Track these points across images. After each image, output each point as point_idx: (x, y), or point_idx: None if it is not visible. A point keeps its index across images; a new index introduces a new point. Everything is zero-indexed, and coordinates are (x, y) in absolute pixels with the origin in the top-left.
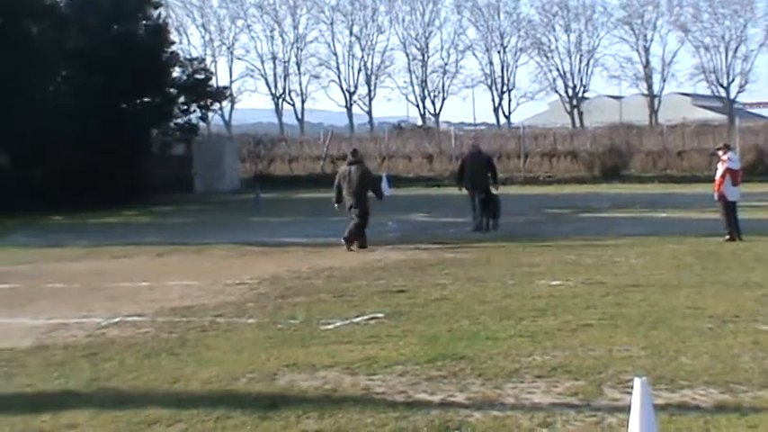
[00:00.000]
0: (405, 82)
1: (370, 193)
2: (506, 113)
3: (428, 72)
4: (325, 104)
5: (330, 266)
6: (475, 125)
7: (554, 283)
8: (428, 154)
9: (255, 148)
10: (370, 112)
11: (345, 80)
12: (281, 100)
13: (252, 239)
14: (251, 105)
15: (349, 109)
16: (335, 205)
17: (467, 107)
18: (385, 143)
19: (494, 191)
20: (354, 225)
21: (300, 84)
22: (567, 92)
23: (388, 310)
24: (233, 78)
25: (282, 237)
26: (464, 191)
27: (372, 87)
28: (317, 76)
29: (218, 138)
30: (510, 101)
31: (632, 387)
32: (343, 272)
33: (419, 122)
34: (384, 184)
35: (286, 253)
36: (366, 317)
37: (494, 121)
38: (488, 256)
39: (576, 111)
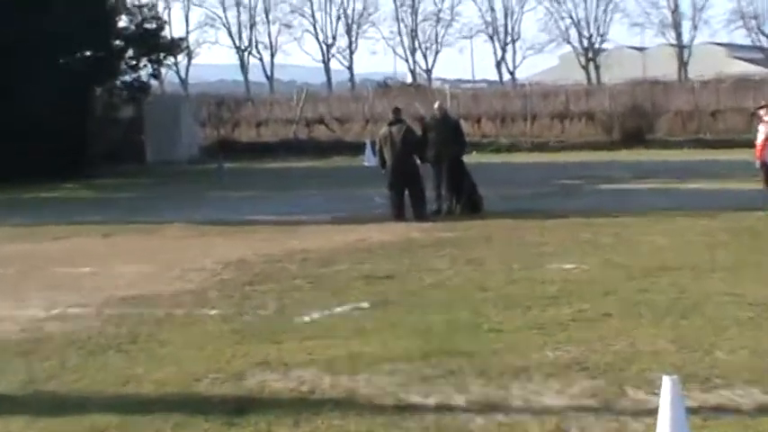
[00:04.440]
0: (391, 32)
1: None
2: (510, 69)
3: (419, 20)
4: (298, 59)
5: (305, 248)
6: (473, 82)
7: (567, 266)
8: (419, 116)
9: (217, 109)
10: (350, 68)
11: (322, 30)
12: (246, 54)
13: (214, 217)
14: (211, 60)
15: (326, 64)
16: (382, 171)
17: (464, 61)
18: (369, 104)
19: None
20: (414, 198)
21: (269, 35)
22: (581, 43)
23: (373, 298)
24: (190, 28)
25: (249, 214)
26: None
27: (354, 38)
28: (288, 26)
29: (172, 98)
30: (514, 54)
31: (660, 387)
32: (321, 254)
33: (408, 79)
34: (367, 153)
35: (254, 233)
36: (348, 307)
37: (495, 77)
38: (490, 235)
39: (591, 65)
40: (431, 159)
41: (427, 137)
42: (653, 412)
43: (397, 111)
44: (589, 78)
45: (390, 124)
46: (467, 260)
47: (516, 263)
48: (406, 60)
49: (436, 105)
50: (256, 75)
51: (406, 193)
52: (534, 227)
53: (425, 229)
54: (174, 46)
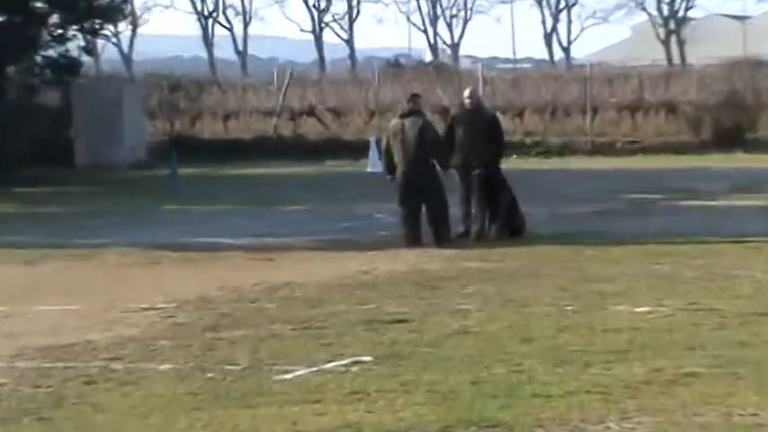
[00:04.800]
0: None
1: None
2: (564, 44)
3: None
4: (280, 29)
5: (288, 282)
6: (515, 62)
7: (638, 309)
8: (441, 106)
9: (172, 96)
10: (350, 42)
11: None
12: (211, 21)
13: (167, 239)
14: (164, 30)
15: (318, 36)
16: (389, 178)
17: (502, 34)
18: (374, 89)
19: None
20: (431, 214)
21: None
22: (659, 9)
23: (378, 350)
24: None
25: (214, 235)
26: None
27: (355, 2)
28: None
29: (112, 81)
30: (570, 24)
31: None
32: (309, 290)
33: (428, 57)
34: (372, 155)
35: (219, 260)
36: (345, 361)
37: (544, 55)
38: (535, 267)
39: (673, 39)
40: (457, 165)
41: (453, 135)
42: None
43: (415, 98)
44: (670, 57)
45: (403, 116)
46: (504, 300)
47: (570, 304)
48: (425, 32)
49: (467, 93)
50: (224, 50)
51: (423, 209)
52: (595, 256)
53: (448, 257)
54: (115, 10)
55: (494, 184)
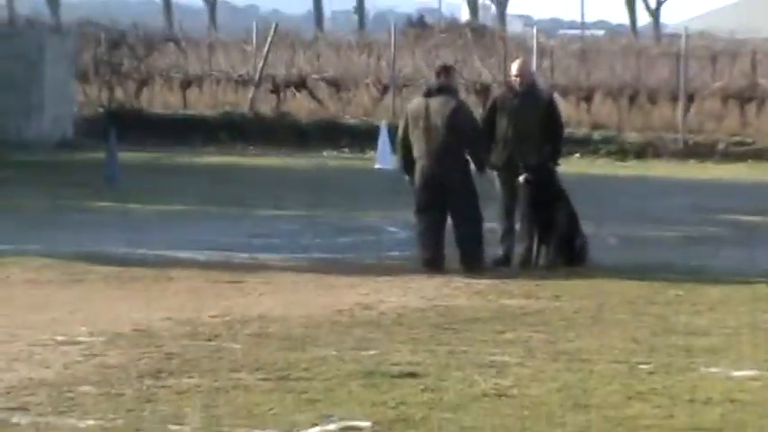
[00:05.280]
0: None
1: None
2: (652, 5)
3: None
4: None
5: (262, 314)
6: (583, 27)
7: (738, 373)
8: (480, 84)
9: (112, 53)
10: None
11: None
12: None
13: (96, 249)
14: None
15: None
16: (406, 178)
17: None
18: (389, 57)
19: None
20: (460, 230)
21: None
22: None
23: (379, 414)
24: None
25: (163, 246)
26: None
27: None
28: None
29: (29, 29)
30: None
31: None
32: (290, 327)
33: (464, 16)
34: (382, 145)
35: (168, 281)
36: (333, 426)
37: (624, 19)
38: (599, 309)
39: None
40: (498, 166)
41: (494, 124)
42: None
43: (446, 71)
44: None
45: (429, 94)
46: (555, 352)
47: (646, 362)
48: None
49: (515, 68)
50: None
51: (449, 222)
52: (682, 299)
53: (480, 291)
54: None
55: (548, 194)
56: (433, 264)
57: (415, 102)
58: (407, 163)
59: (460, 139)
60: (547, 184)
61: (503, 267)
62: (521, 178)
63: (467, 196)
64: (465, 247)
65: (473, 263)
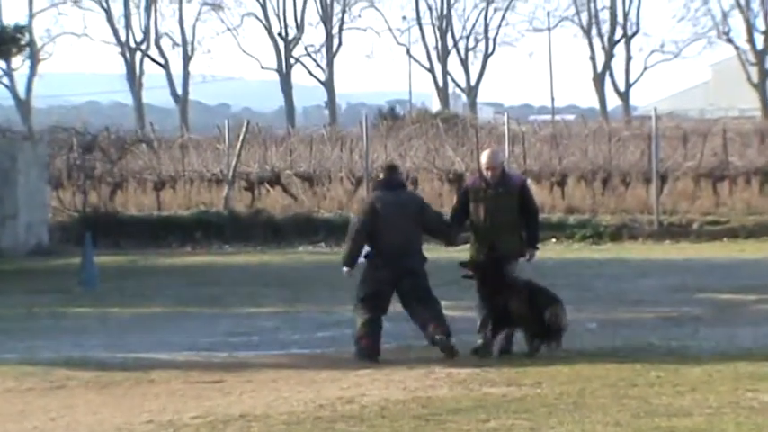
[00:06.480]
0: (404, 18)
1: None
2: (621, 88)
3: None
4: (233, 66)
5: (244, 413)
6: (553, 113)
7: None
8: (453, 172)
9: (85, 157)
10: (328, 84)
11: (277, 13)
12: (139, 55)
13: (75, 354)
14: (75, 68)
15: (285, 76)
16: (345, 270)
17: (536, 73)
18: (362, 149)
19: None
20: (427, 314)
21: (181, 20)
22: (751, 42)
23: None
24: (35, 9)
25: (142, 349)
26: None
27: (335, 31)
28: (216, 5)
29: (1, 138)
30: (629, 61)
31: None
32: (272, 426)
33: (435, 106)
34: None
35: (149, 384)
36: None
37: (594, 103)
38: (580, 394)
39: None
40: (477, 260)
41: (467, 210)
42: None
43: (392, 169)
44: (766, 106)
45: (387, 187)
46: None
47: None
48: (431, 71)
49: (484, 159)
50: (157, 94)
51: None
52: (663, 380)
53: (462, 380)
54: (6, 40)
55: (501, 282)
56: (376, 355)
57: (373, 196)
58: (356, 255)
59: (428, 228)
60: (501, 274)
61: (484, 355)
62: (508, 267)
63: (426, 280)
64: (432, 326)
65: (446, 346)
